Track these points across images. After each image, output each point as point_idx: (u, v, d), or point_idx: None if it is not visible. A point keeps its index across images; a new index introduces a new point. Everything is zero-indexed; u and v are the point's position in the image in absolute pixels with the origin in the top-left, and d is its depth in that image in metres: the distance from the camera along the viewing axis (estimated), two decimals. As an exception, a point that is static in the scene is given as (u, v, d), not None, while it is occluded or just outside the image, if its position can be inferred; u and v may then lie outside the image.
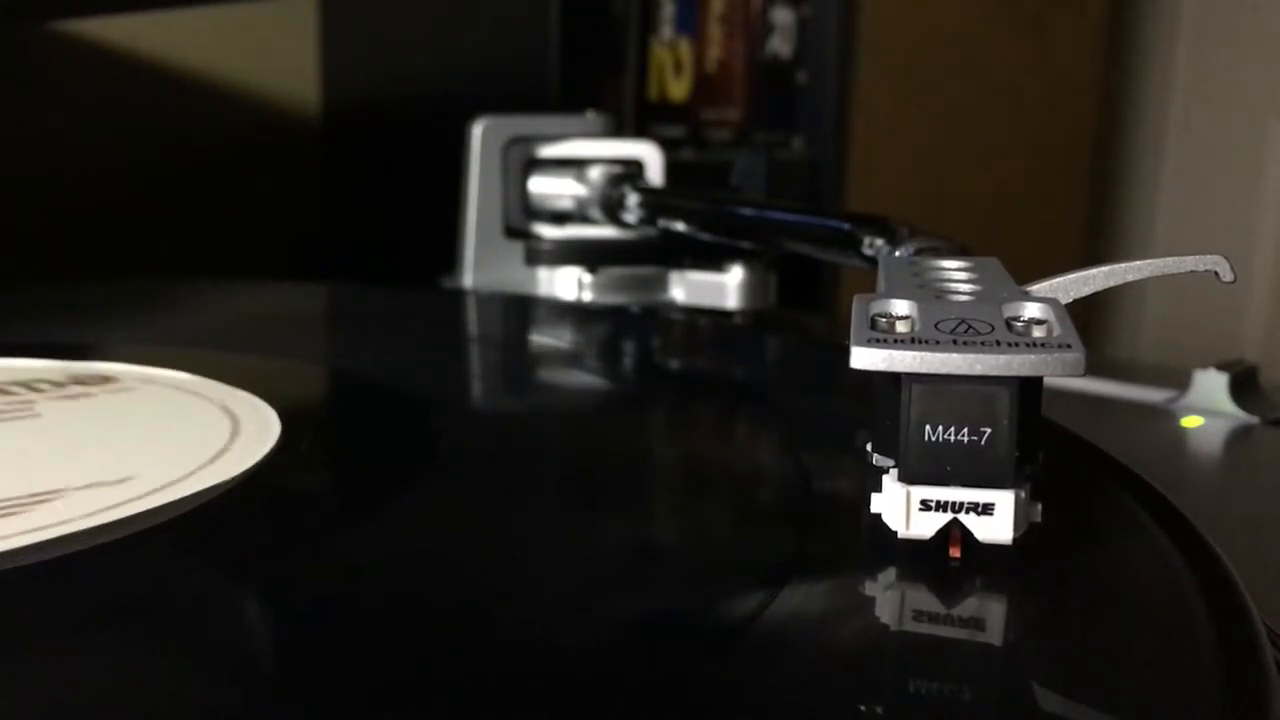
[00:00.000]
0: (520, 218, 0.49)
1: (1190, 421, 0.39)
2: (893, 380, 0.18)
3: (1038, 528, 0.18)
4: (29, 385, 0.28)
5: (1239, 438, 0.38)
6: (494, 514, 0.22)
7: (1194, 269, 0.20)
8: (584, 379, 0.35)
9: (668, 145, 0.50)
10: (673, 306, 0.47)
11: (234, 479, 0.22)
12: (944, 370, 0.17)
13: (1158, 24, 1.35)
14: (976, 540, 0.18)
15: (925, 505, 0.18)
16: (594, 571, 0.19)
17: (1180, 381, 0.40)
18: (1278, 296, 1.24)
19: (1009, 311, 0.19)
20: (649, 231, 0.46)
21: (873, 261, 0.31)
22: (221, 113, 0.82)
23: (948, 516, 0.18)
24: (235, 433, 0.24)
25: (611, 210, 0.47)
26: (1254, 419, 0.38)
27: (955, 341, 0.18)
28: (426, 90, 0.78)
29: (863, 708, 0.15)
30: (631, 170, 0.48)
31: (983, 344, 0.17)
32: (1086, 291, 0.21)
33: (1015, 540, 0.18)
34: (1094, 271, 0.21)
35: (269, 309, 0.44)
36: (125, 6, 0.74)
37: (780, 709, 0.15)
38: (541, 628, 0.17)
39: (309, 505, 0.23)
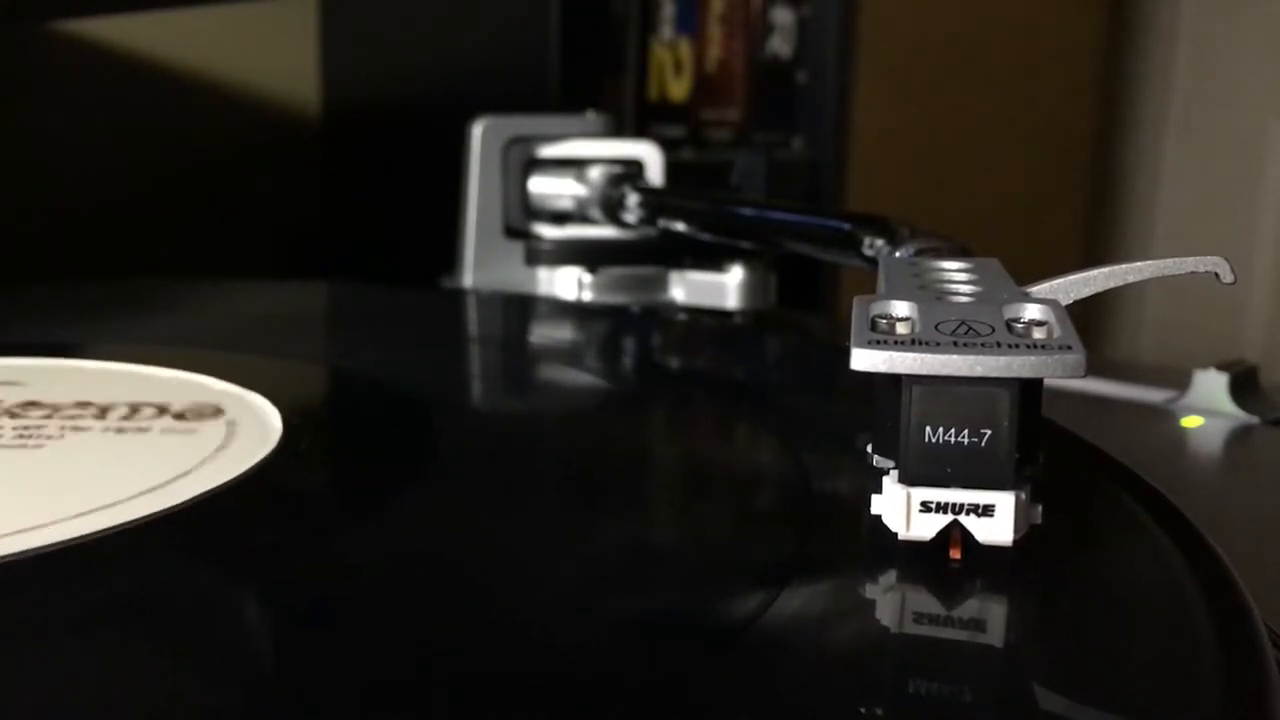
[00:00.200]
0: (520, 218, 0.49)
1: (1190, 421, 0.39)
2: (893, 381, 0.18)
3: (1038, 529, 0.18)
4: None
5: (1239, 438, 0.38)
6: (493, 514, 0.22)
7: (1194, 270, 0.20)
8: (584, 379, 0.35)
9: (668, 145, 0.50)
10: (673, 306, 0.47)
11: (234, 478, 0.22)
12: (944, 372, 0.17)
13: (1158, 24, 1.35)
14: (977, 542, 0.18)
15: (925, 507, 0.18)
16: (594, 572, 0.19)
17: (1180, 381, 0.40)
18: (1278, 297, 1.24)
19: (1009, 313, 0.19)
20: (649, 231, 0.46)
21: (873, 262, 0.31)
22: (221, 113, 0.82)
23: (948, 518, 0.18)
24: (235, 432, 0.24)
25: (611, 210, 0.47)
26: (1254, 419, 0.38)
27: (956, 343, 0.18)
28: (426, 90, 0.78)
29: (863, 709, 0.15)
30: (631, 170, 0.48)
31: (983, 345, 0.17)
32: (1087, 292, 0.21)
33: (1015, 542, 0.18)
34: (1094, 273, 0.21)
35: (269, 309, 0.44)
36: (125, 6, 0.74)
37: (780, 710, 0.15)
38: (541, 628, 0.17)
39: (309, 505, 0.23)
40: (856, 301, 0.19)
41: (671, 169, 0.49)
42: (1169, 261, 0.20)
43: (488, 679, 0.15)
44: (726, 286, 0.46)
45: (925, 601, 0.18)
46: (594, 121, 0.50)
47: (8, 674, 0.15)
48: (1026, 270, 0.22)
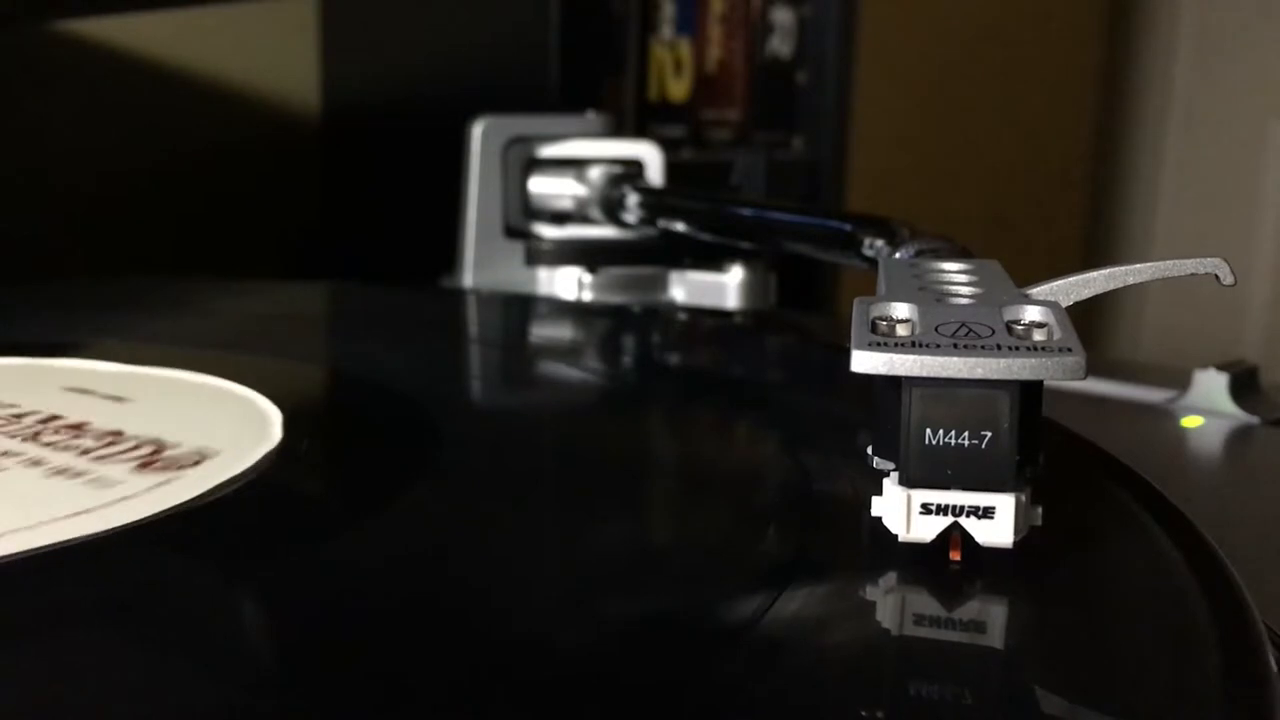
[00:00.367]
0: (520, 218, 0.49)
1: (1190, 421, 0.39)
2: (893, 383, 0.18)
3: (1038, 530, 0.18)
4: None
5: (1239, 438, 0.38)
6: (493, 514, 0.22)
7: (1194, 271, 0.20)
8: (584, 379, 0.35)
9: (668, 145, 0.50)
10: (673, 306, 0.47)
11: (235, 478, 0.22)
12: (944, 374, 0.17)
13: (1158, 24, 1.35)
14: (977, 544, 0.18)
15: (926, 508, 0.18)
16: (593, 573, 0.19)
17: (1180, 381, 0.41)
18: (1278, 297, 1.24)
19: (1009, 315, 0.19)
20: (649, 231, 0.46)
21: (873, 263, 0.31)
22: (221, 113, 0.82)
23: (948, 520, 0.18)
24: (236, 432, 0.24)
25: (611, 210, 0.47)
26: (1254, 419, 0.38)
27: (956, 345, 0.18)
28: (426, 90, 0.78)
29: (864, 711, 0.15)
30: (631, 170, 0.48)
31: (983, 347, 0.17)
32: (1087, 294, 0.21)
33: (1016, 543, 0.18)
34: (1094, 274, 0.21)
35: (269, 309, 0.44)
36: (125, 6, 0.74)
37: (781, 711, 0.15)
38: (541, 628, 0.17)
39: (310, 504, 0.23)
40: (856, 303, 0.19)
41: (671, 169, 0.49)
42: (1169, 263, 0.20)
43: (486, 679, 0.15)
44: (726, 286, 0.46)
45: (925, 603, 0.18)
46: (594, 121, 0.50)
47: (8, 674, 0.15)
48: (1026, 271, 0.22)
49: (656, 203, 0.45)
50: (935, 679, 0.16)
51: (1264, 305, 1.24)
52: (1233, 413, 0.39)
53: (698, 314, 0.46)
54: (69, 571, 0.18)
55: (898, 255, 0.30)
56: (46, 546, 0.18)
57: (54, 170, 0.75)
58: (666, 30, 0.77)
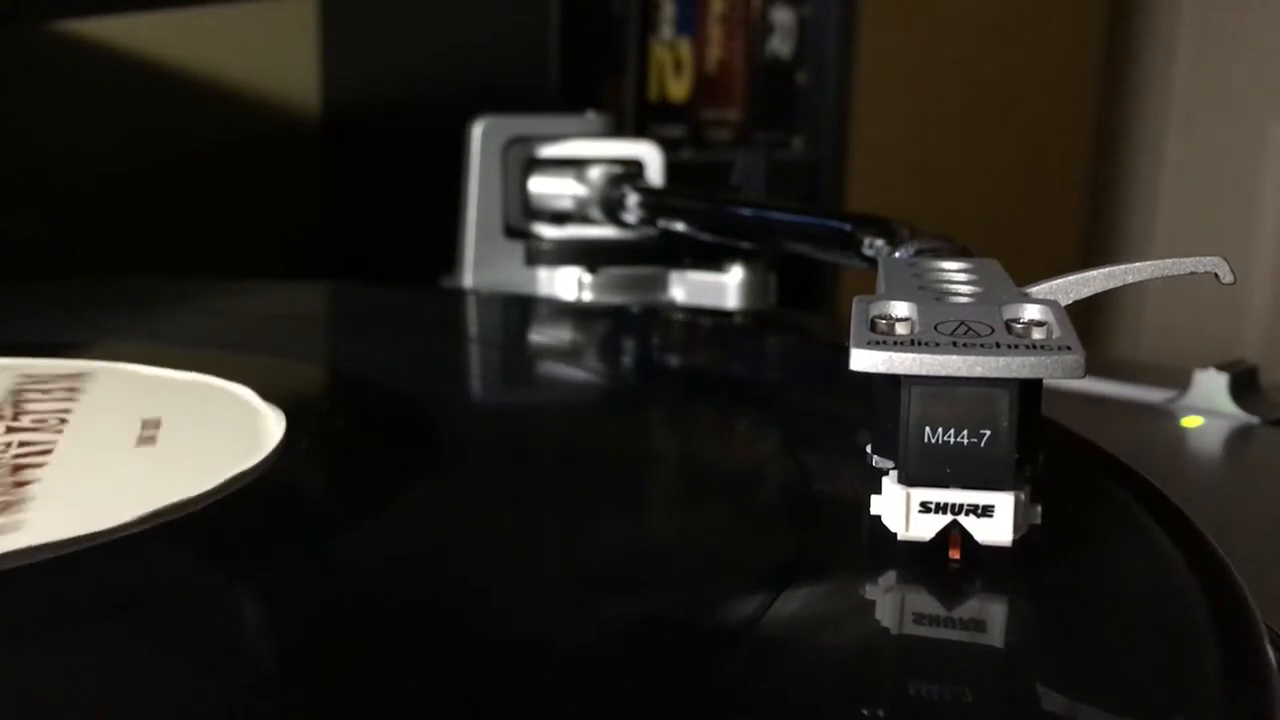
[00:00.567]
0: (520, 218, 0.49)
1: (1190, 421, 0.39)
2: (892, 382, 0.18)
3: (1038, 529, 0.18)
4: (27, 382, 0.28)
5: (1239, 438, 0.38)
6: (492, 514, 0.22)
7: (1193, 270, 0.20)
8: (584, 379, 0.35)
9: (668, 145, 0.50)
10: (673, 306, 0.47)
11: (235, 477, 0.22)
12: (943, 372, 0.17)
13: (1158, 24, 1.35)
14: (976, 542, 0.18)
15: (925, 507, 0.18)
16: (592, 572, 0.19)
17: (1180, 381, 0.41)
18: (1278, 297, 1.24)
19: (1009, 313, 0.19)
20: (649, 231, 0.46)
21: (873, 262, 0.31)
22: (221, 113, 0.82)
23: (947, 518, 0.18)
24: (236, 431, 0.24)
25: (611, 210, 0.47)
26: (1254, 419, 0.38)
27: (955, 343, 0.18)
28: (426, 90, 0.78)
29: (863, 710, 0.15)
30: (631, 170, 0.48)
31: (982, 346, 0.17)
32: (1086, 293, 0.21)
33: (1015, 542, 0.18)
34: (1094, 273, 0.21)
35: (269, 309, 0.44)
36: (125, 6, 0.74)
37: (780, 711, 0.15)
38: (540, 628, 0.17)
39: (310, 504, 0.23)
40: (856, 302, 0.19)
41: (671, 169, 0.49)
42: (1168, 262, 0.20)
43: (486, 679, 0.15)
44: (726, 286, 0.46)
45: (924, 602, 0.18)
46: (594, 121, 0.50)
47: (8, 674, 0.15)
48: (1026, 271, 0.22)
49: (656, 203, 0.45)
50: (935, 678, 0.16)
51: (1264, 305, 1.24)
52: (1233, 413, 0.39)
53: (698, 314, 0.46)
54: (68, 571, 0.18)
55: (897, 255, 0.30)
56: (45, 546, 0.18)
57: (54, 170, 0.75)
58: (666, 30, 0.77)
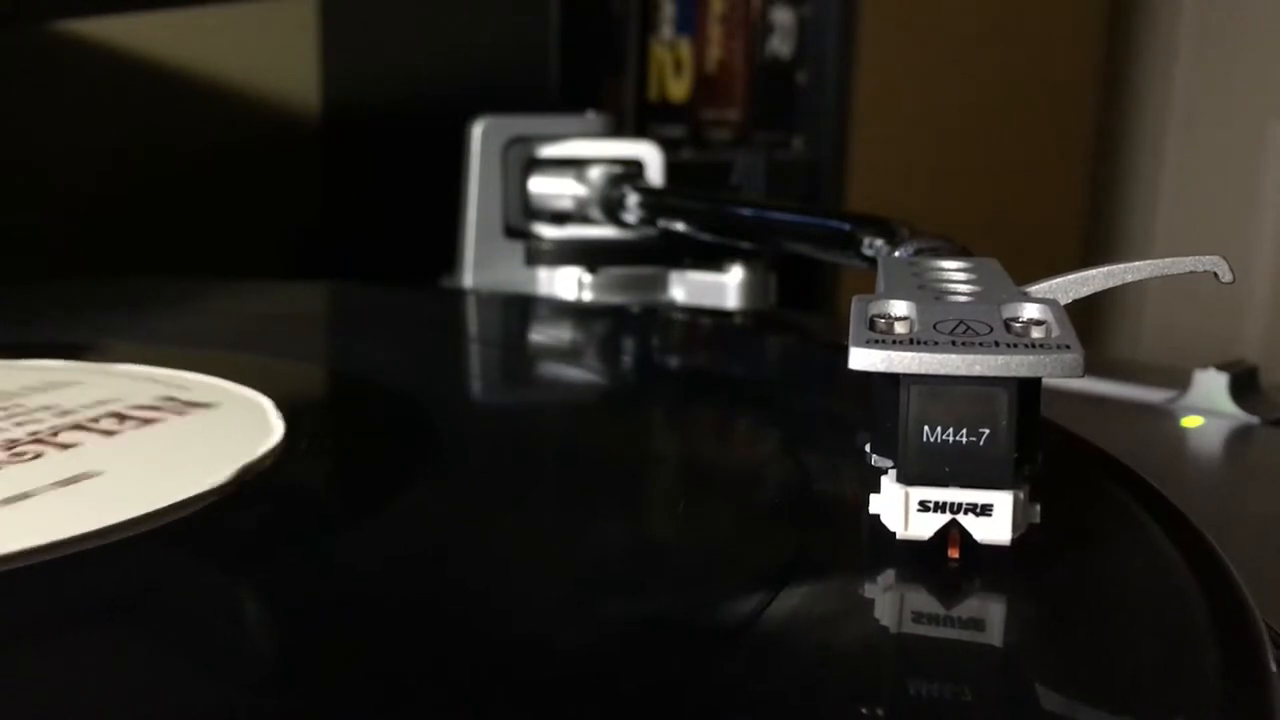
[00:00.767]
0: (520, 218, 0.49)
1: (1190, 421, 0.39)
2: (891, 381, 0.18)
3: (1037, 528, 0.18)
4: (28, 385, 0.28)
5: (1239, 438, 0.38)
6: (492, 514, 0.22)
7: (1193, 269, 0.20)
8: (584, 379, 0.35)
9: (668, 145, 0.50)
10: (673, 306, 0.47)
11: (235, 477, 0.22)
12: (942, 371, 0.17)
13: (1158, 24, 1.35)
14: (975, 541, 0.18)
15: (924, 506, 0.18)
16: (591, 572, 0.19)
17: (1180, 381, 0.41)
18: (1278, 297, 1.24)
19: (1008, 312, 0.19)
20: (649, 231, 0.46)
21: (872, 262, 0.31)
22: (221, 113, 0.82)
23: (946, 517, 0.18)
24: (237, 431, 0.24)
25: (611, 210, 0.47)
26: (1254, 419, 0.38)
27: (954, 342, 0.18)
28: (426, 90, 0.78)
29: (862, 709, 0.15)
30: (631, 170, 0.48)
31: (981, 345, 0.17)
32: (1085, 292, 0.21)
33: (1014, 541, 0.18)
34: (1093, 272, 0.21)
35: (269, 309, 0.44)
36: (125, 6, 0.74)
37: (779, 710, 0.15)
38: (540, 628, 0.17)
39: (310, 504, 0.23)
40: (855, 301, 0.19)
41: (671, 169, 0.49)
42: (1168, 261, 0.20)
43: (485, 680, 0.15)
44: (726, 286, 0.46)
45: (923, 601, 0.18)
46: (594, 121, 0.50)
47: (8, 674, 0.15)
48: (1026, 270, 0.22)
49: (656, 203, 0.45)
50: (934, 677, 0.16)
51: (1264, 305, 1.24)
52: (1233, 413, 0.39)
53: (698, 314, 0.46)
54: (67, 571, 0.18)
55: (897, 254, 0.30)
56: (44, 545, 0.18)
57: (54, 170, 0.75)
58: (666, 30, 0.77)
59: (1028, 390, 0.18)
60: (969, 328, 0.18)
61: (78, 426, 0.25)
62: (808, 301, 0.81)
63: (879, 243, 0.32)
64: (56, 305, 0.43)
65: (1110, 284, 0.21)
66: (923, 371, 0.17)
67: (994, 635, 0.17)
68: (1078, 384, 0.40)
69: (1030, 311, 0.19)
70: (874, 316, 0.19)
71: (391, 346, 0.36)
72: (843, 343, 0.18)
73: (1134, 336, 1.33)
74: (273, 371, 0.32)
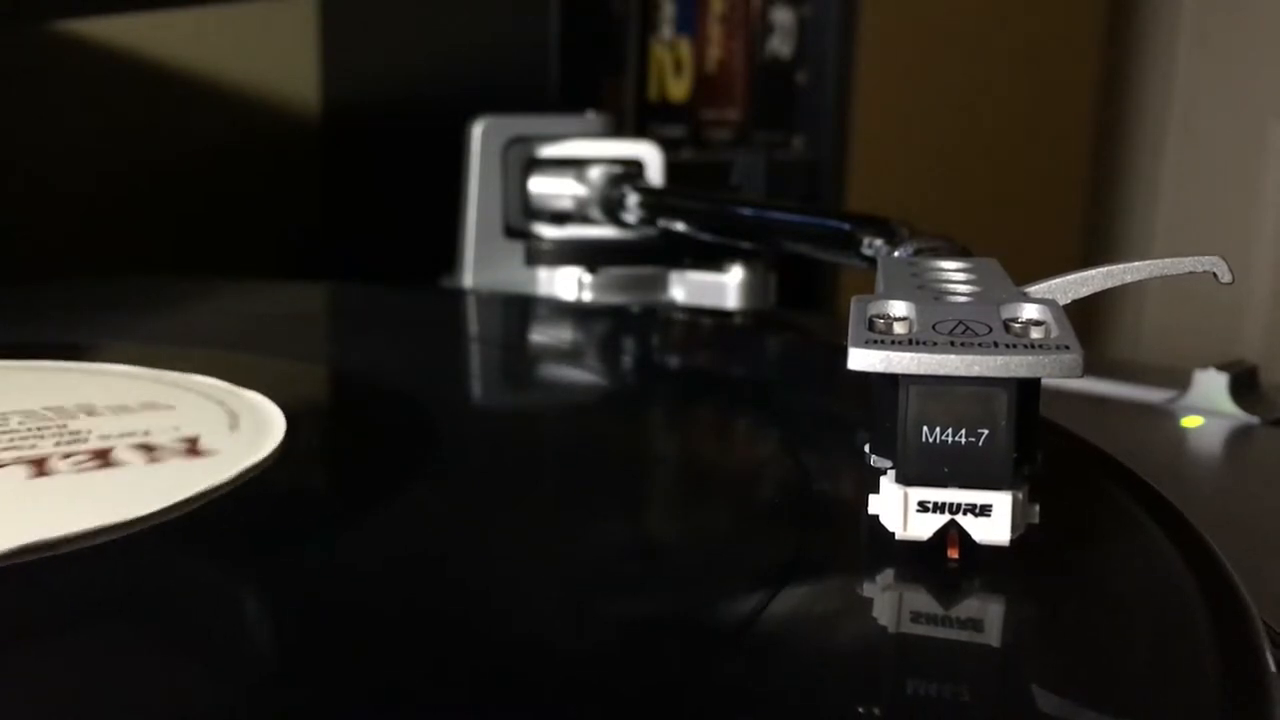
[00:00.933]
0: (520, 218, 0.49)
1: (1190, 421, 0.39)
2: (890, 381, 0.18)
3: (1036, 528, 0.18)
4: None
5: (1239, 438, 0.38)
6: (492, 514, 0.22)
7: (1192, 269, 0.20)
8: (584, 379, 0.35)
9: (668, 145, 0.50)
10: (673, 306, 0.47)
11: (236, 477, 0.22)
12: (941, 371, 0.17)
13: (1158, 24, 1.35)
14: (974, 541, 0.18)
15: (923, 506, 0.18)
16: (591, 572, 0.19)
17: (1180, 381, 0.41)
18: (1278, 297, 1.24)
19: (1007, 313, 0.19)
20: (649, 231, 0.46)
21: (872, 262, 0.31)
22: (221, 113, 0.82)
23: (945, 518, 0.18)
24: (238, 432, 0.24)
25: (611, 210, 0.47)
26: (1254, 419, 0.38)
27: (953, 343, 0.18)
28: (426, 90, 0.78)
29: (860, 709, 0.15)
30: (631, 170, 0.48)
31: (980, 345, 0.17)
32: (1085, 292, 0.21)
33: (1013, 541, 0.18)
34: (1092, 272, 0.21)
35: (269, 309, 0.44)
36: (125, 6, 0.74)
37: (778, 710, 0.15)
38: (540, 628, 0.17)
39: (311, 504, 0.23)
40: (854, 301, 0.19)
41: (671, 169, 0.49)
42: (1167, 261, 0.20)
43: (484, 680, 0.15)
44: (726, 286, 0.46)
45: (922, 601, 0.18)
46: (594, 121, 0.50)
47: (8, 674, 0.15)
48: (1026, 270, 0.22)
49: (656, 203, 0.45)
50: (933, 677, 0.16)
51: (1263, 304, 1.24)
52: (1233, 413, 0.39)
53: (698, 314, 0.46)
54: (67, 571, 0.18)
55: (896, 254, 0.30)
56: (44, 544, 0.18)
57: (54, 170, 0.75)
58: (666, 30, 0.77)
59: (1027, 390, 0.18)
60: (968, 328, 0.18)
61: (73, 428, 0.25)
62: (808, 301, 0.81)
63: (879, 243, 0.32)
64: (56, 305, 0.43)
65: (1110, 284, 0.21)
66: (922, 372, 0.17)
67: (993, 635, 0.17)
68: (1078, 384, 0.40)
69: (1029, 312, 0.19)
70: (873, 317, 0.19)
71: (391, 347, 0.36)
72: (842, 343, 0.18)
73: (1134, 336, 1.33)
74: (273, 371, 0.32)
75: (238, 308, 0.44)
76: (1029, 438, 0.18)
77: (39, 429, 0.24)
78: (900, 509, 0.18)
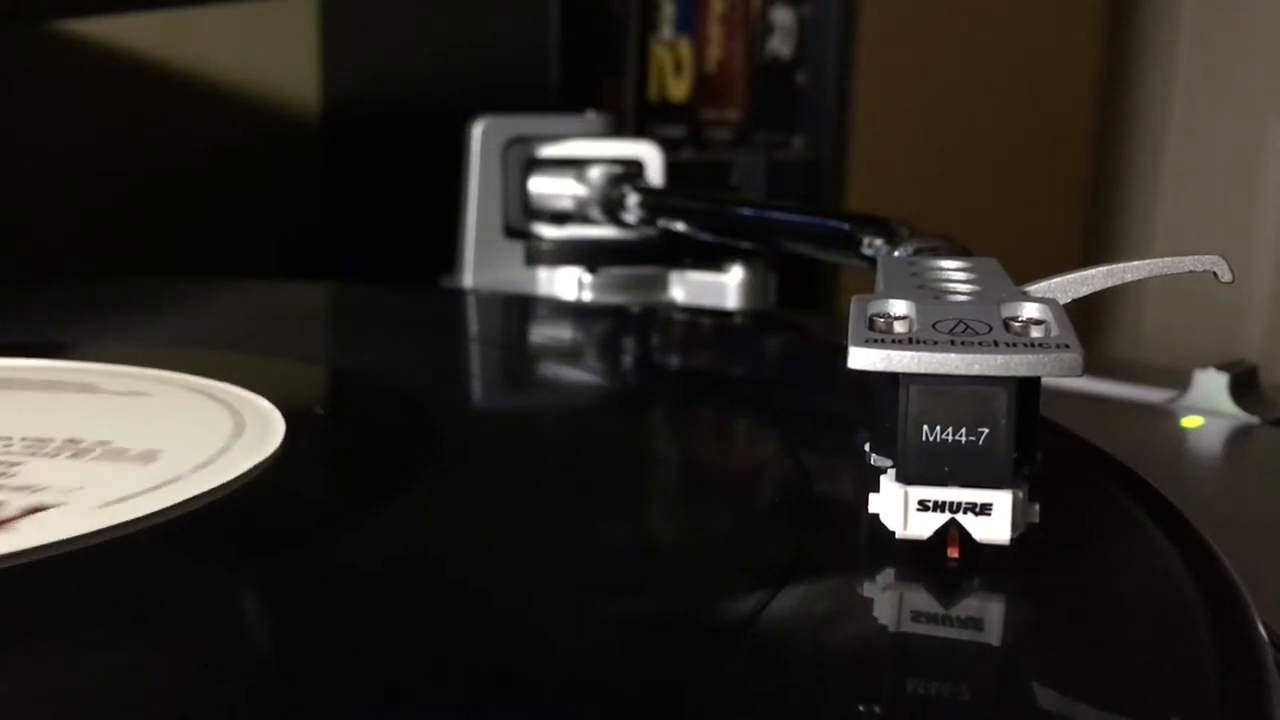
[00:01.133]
0: (520, 218, 0.49)
1: (1190, 421, 0.39)
2: (891, 380, 0.18)
3: (1036, 528, 0.18)
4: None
5: (1239, 438, 0.38)
6: (492, 514, 0.22)
7: (1192, 269, 0.20)
8: (583, 379, 0.35)
9: (668, 145, 0.50)
10: (673, 306, 0.47)
11: (236, 479, 0.22)
12: (942, 370, 0.17)
13: (1158, 24, 1.35)
14: (974, 540, 0.18)
15: (923, 505, 0.18)
16: (591, 572, 0.19)
17: (1180, 381, 0.40)
18: (1278, 296, 1.24)
19: (1007, 312, 0.19)
20: (649, 231, 0.46)
21: (872, 262, 0.31)
22: (221, 113, 0.82)
23: (945, 517, 0.18)
24: (238, 432, 0.24)
25: (611, 210, 0.47)
26: (1254, 419, 0.38)
27: (953, 342, 0.18)
28: (426, 90, 0.78)
29: (861, 708, 0.15)
30: (631, 170, 0.48)
31: (981, 344, 0.17)
32: (1085, 292, 0.21)
33: (1013, 540, 0.18)
34: (1092, 272, 0.21)
35: (269, 309, 0.44)
36: (125, 6, 0.74)
37: (778, 710, 0.15)
38: (540, 628, 0.17)
39: (310, 505, 0.23)
40: (854, 300, 0.19)
41: (671, 169, 0.49)
42: (1167, 260, 0.20)
43: (484, 680, 0.15)
44: (726, 286, 0.46)
45: (923, 600, 0.18)
46: (594, 121, 0.50)
47: (8, 674, 0.15)
48: (1026, 270, 0.22)
49: (656, 203, 0.45)
50: (933, 677, 0.16)
51: (1263, 304, 1.24)
52: (1233, 413, 0.39)
53: (698, 314, 0.46)
54: (67, 572, 0.18)
55: (896, 254, 0.30)
56: (45, 546, 0.18)
57: (54, 170, 0.75)
58: (666, 30, 0.77)
59: (1027, 390, 0.18)
60: (968, 327, 0.18)
61: (73, 429, 0.25)
62: (808, 301, 0.81)
63: (879, 242, 0.32)
64: (56, 305, 0.43)
65: (1110, 284, 0.21)
66: (922, 371, 0.17)
67: (993, 635, 0.17)
68: (1078, 384, 0.40)
69: (1030, 311, 0.19)
70: (873, 316, 0.19)
71: (391, 347, 0.36)
72: (842, 342, 0.18)
73: (1134, 336, 1.33)
74: (273, 372, 0.32)
75: (238, 308, 0.44)
76: (1029, 437, 0.18)
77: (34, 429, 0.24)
78: (900, 508, 0.18)
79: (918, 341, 0.18)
